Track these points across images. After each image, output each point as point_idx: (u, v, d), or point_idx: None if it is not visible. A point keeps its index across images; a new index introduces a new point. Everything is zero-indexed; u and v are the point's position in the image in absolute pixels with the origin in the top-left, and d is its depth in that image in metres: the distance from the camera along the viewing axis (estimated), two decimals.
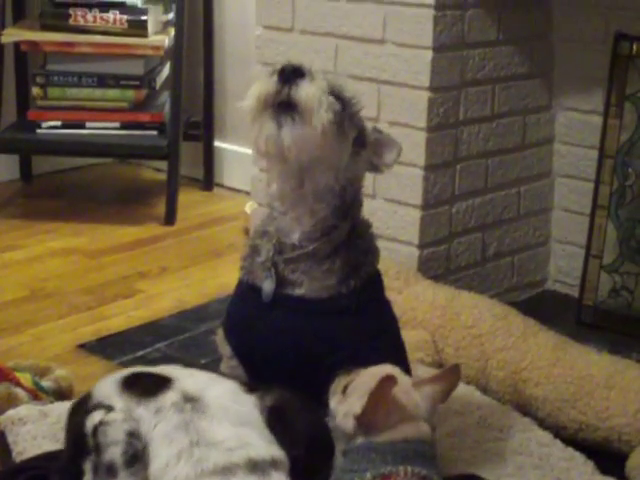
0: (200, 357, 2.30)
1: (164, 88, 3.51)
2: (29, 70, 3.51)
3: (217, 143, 3.65)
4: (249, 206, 3.02)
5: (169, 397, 1.40)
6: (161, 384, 1.42)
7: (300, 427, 1.40)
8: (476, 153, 2.50)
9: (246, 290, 1.75)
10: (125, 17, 3.27)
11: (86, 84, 3.32)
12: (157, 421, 1.38)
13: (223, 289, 2.57)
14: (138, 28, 3.27)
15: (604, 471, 1.84)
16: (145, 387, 1.42)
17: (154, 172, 3.78)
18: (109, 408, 1.40)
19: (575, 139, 2.65)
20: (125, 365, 2.21)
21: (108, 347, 2.38)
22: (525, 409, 2.06)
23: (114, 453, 1.37)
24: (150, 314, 2.58)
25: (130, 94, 3.34)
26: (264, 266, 1.71)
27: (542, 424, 2.00)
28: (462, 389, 2.08)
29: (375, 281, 1.77)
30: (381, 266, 1.79)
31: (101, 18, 3.27)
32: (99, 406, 1.41)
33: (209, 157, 3.64)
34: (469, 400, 2.04)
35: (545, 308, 2.62)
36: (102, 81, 3.32)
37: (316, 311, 1.69)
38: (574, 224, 2.68)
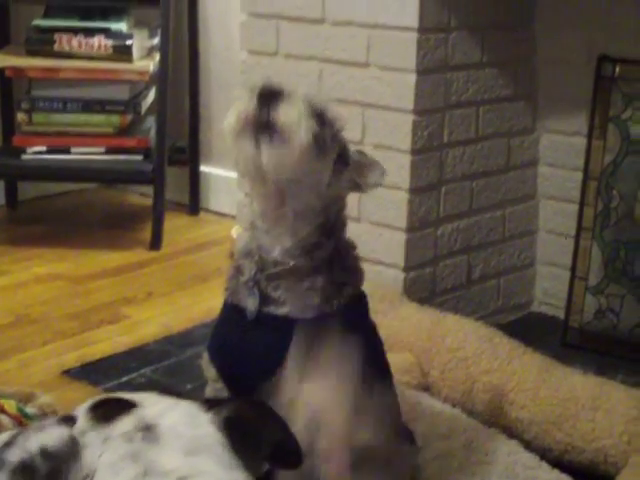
0: (186, 382, 2.29)
1: (149, 113, 3.51)
2: (14, 96, 3.51)
3: (203, 167, 3.65)
4: (235, 230, 3.01)
5: (122, 425, 1.36)
6: (121, 411, 1.38)
7: (261, 432, 1.36)
8: (461, 175, 2.51)
9: (231, 311, 1.74)
10: (110, 42, 3.28)
11: (71, 109, 3.32)
12: (103, 450, 1.34)
13: (209, 314, 2.55)
14: (123, 53, 3.28)
15: None
16: (104, 413, 1.38)
17: (140, 197, 3.78)
18: (73, 421, 1.37)
19: (559, 161, 2.66)
20: (110, 391, 2.20)
21: (93, 373, 2.37)
22: (511, 432, 2.05)
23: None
24: (135, 339, 2.57)
25: (115, 119, 3.33)
26: (247, 285, 1.70)
27: (528, 447, 1.99)
28: (448, 412, 2.08)
29: (360, 302, 1.76)
30: (366, 289, 1.78)
31: (86, 44, 3.28)
32: (66, 419, 1.38)
33: (195, 182, 3.64)
34: (455, 423, 2.03)
35: (531, 330, 2.62)
36: (87, 106, 3.32)
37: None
38: (559, 246, 2.68)
